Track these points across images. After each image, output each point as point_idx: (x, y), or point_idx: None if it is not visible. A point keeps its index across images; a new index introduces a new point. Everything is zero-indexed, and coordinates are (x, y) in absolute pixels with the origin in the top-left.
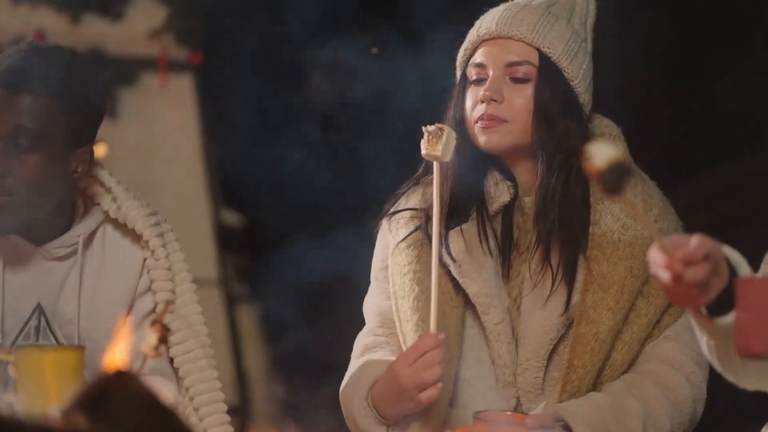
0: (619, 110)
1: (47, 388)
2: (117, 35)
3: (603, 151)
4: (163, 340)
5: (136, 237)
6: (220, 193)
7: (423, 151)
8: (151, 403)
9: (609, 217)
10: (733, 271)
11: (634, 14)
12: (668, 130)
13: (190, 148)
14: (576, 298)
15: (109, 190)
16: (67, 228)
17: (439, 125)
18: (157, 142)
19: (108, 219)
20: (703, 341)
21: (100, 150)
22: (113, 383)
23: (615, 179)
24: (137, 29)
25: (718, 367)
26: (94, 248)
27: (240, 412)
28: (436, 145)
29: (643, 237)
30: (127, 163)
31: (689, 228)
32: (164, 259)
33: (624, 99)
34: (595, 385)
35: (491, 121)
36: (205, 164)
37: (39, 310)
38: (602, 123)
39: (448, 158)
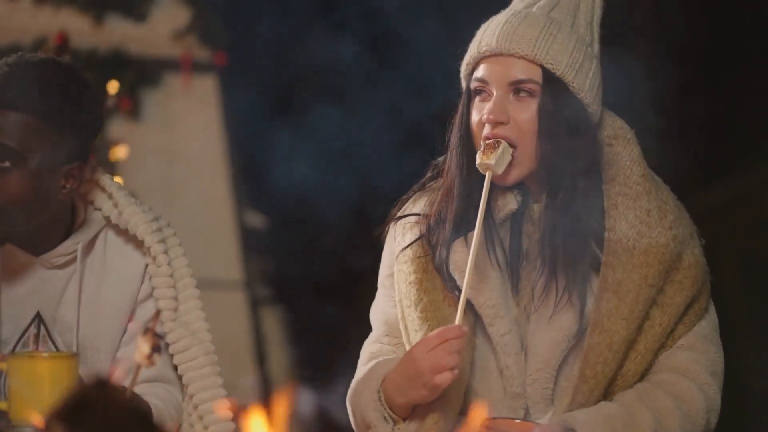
0: (653, 109)
1: (40, 396)
2: (140, 36)
3: None
4: (156, 348)
5: (137, 243)
6: (244, 195)
7: (477, 161)
8: (131, 414)
9: (624, 223)
10: None
11: (672, 12)
12: (704, 129)
13: (214, 149)
14: (589, 308)
15: (110, 196)
16: (66, 235)
17: (497, 139)
18: (180, 143)
19: (109, 224)
20: None
21: (121, 151)
22: (93, 394)
23: None
24: (160, 30)
25: None
26: (95, 254)
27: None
28: (490, 155)
29: (657, 245)
30: (151, 165)
31: (725, 226)
32: (166, 265)
33: (659, 98)
34: (606, 395)
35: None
36: (228, 165)
37: (38, 318)
38: (615, 124)
39: (500, 170)
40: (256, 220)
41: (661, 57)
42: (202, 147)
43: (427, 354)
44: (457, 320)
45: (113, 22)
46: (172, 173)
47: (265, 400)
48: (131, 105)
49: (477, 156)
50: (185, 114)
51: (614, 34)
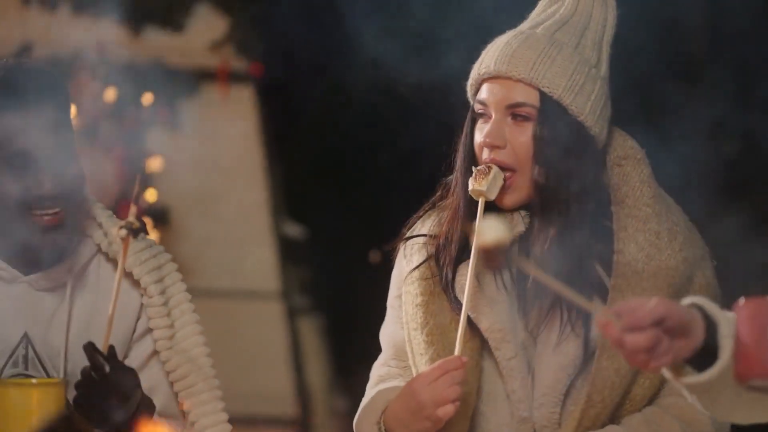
0: (692, 118)
1: (27, 423)
2: (177, 47)
3: (492, 230)
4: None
5: (130, 274)
6: (281, 205)
7: (470, 188)
8: None
9: (633, 245)
10: (714, 327)
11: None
12: (743, 140)
13: (251, 159)
14: (595, 332)
15: (100, 225)
16: (59, 259)
17: (488, 164)
18: (217, 153)
19: (101, 252)
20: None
21: (155, 163)
22: (60, 426)
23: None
24: (197, 41)
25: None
26: (87, 280)
27: (301, 424)
28: (482, 181)
29: (667, 267)
30: (188, 175)
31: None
32: (158, 295)
33: (699, 107)
34: (614, 419)
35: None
36: (266, 176)
37: (26, 339)
38: (626, 144)
39: (493, 196)
40: (293, 230)
41: (699, 61)
42: (240, 157)
43: (428, 386)
44: (457, 350)
45: (151, 34)
46: (209, 183)
47: (303, 409)
48: (168, 116)
49: (469, 182)
50: (222, 124)
51: None
